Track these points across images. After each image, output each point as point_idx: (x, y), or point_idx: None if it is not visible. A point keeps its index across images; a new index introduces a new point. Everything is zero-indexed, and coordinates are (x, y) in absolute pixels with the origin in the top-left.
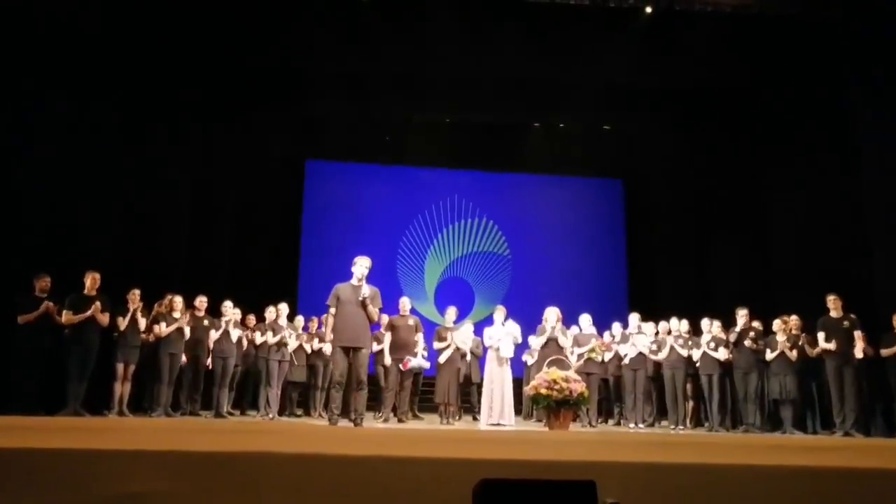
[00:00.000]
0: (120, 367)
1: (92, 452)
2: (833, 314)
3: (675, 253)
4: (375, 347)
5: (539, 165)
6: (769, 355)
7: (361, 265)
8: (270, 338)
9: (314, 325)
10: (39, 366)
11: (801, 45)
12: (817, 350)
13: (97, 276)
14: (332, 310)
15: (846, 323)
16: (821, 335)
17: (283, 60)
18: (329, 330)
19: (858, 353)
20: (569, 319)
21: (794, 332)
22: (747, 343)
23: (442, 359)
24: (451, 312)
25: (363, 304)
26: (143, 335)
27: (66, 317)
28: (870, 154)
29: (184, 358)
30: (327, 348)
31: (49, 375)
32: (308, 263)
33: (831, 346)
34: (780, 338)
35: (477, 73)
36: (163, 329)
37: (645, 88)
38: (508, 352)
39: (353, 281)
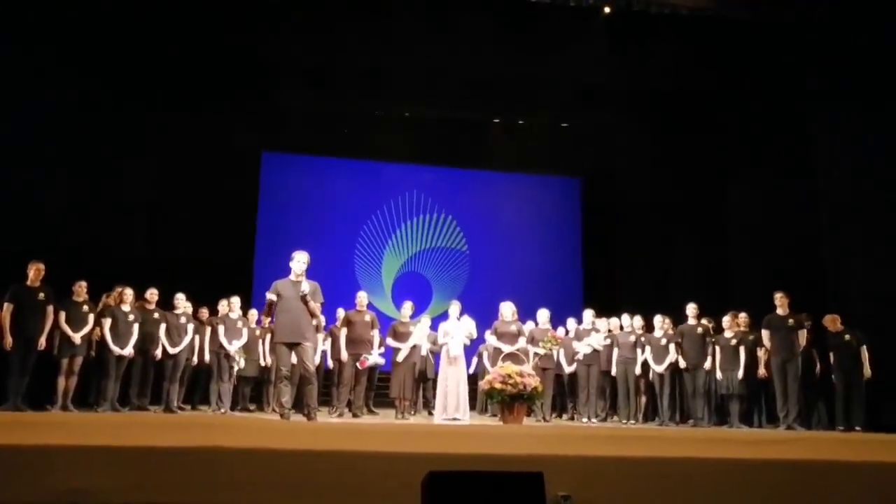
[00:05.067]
0: (64, 361)
1: (34, 448)
2: (779, 311)
3: (632, 250)
4: (327, 344)
5: (499, 162)
6: (717, 351)
7: (299, 260)
8: (230, 347)
9: (267, 319)
10: None
11: (757, 48)
12: (764, 356)
13: (41, 266)
14: (273, 297)
15: (791, 321)
16: (765, 333)
17: (242, 49)
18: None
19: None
20: (525, 315)
21: (742, 328)
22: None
23: (400, 357)
24: (407, 307)
25: (304, 300)
26: (89, 328)
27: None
28: (824, 155)
29: (131, 351)
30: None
31: None
32: (263, 256)
33: (761, 371)
34: (729, 334)
35: (438, 69)
36: (105, 330)
37: (605, 88)
38: (456, 350)
39: (292, 276)
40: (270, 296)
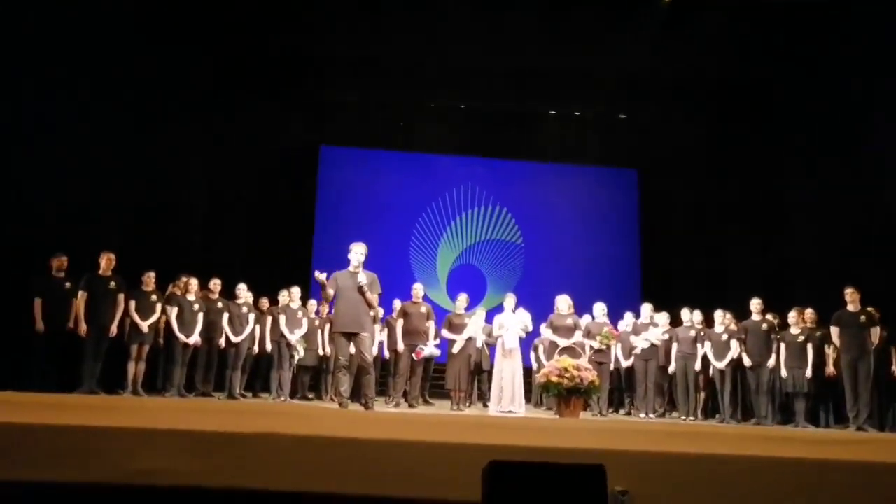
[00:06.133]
0: (134, 347)
1: (106, 429)
2: (850, 308)
3: (689, 244)
4: (383, 335)
5: (553, 154)
6: (783, 348)
7: (357, 252)
8: (291, 337)
9: (325, 309)
10: (56, 345)
11: (818, 36)
12: (833, 354)
13: (112, 256)
14: (330, 292)
15: (863, 318)
16: (834, 330)
17: (297, 46)
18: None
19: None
20: (581, 308)
21: (809, 325)
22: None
23: (455, 349)
24: (462, 300)
25: (361, 291)
26: (157, 316)
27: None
28: (882, 146)
29: (198, 339)
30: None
31: (66, 354)
32: (321, 248)
33: (829, 370)
34: (795, 330)
35: (492, 60)
36: (171, 319)
37: (662, 78)
38: (511, 342)
39: (350, 268)
40: (321, 276)
